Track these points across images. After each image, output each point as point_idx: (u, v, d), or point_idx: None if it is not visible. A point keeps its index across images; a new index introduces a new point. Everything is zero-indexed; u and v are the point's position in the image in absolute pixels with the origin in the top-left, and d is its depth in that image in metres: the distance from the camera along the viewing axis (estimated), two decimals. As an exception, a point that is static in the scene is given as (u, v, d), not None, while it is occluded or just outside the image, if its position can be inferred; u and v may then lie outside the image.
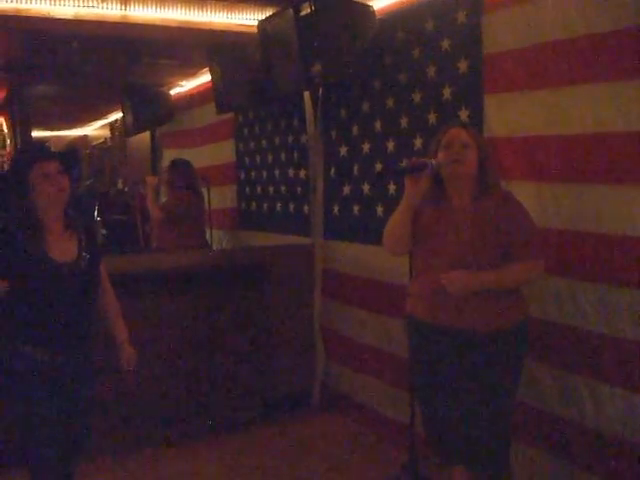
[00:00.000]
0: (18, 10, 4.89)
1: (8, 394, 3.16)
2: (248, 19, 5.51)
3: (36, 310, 3.10)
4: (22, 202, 3.10)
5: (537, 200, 3.74)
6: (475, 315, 3.21)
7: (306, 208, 6.12)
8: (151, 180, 6.59)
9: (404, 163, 3.47)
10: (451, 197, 3.36)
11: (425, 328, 3.38)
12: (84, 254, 3.22)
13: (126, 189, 10.90)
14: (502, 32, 3.96)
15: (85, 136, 14.41)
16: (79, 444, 3.35)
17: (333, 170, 5.63)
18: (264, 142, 6.89)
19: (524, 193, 3.72)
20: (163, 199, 7.11)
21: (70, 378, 3.21)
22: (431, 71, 4.53)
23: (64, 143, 13.95)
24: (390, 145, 4.94)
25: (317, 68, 4.79)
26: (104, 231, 9.21)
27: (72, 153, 4.11)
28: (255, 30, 5.18)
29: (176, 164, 6.68)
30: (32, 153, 3.28)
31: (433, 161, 3.28)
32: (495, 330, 3.21)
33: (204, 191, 6.65)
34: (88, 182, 12.20)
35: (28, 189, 3.09)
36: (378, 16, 4.83)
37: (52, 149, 3.47)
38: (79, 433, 3.32)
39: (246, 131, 7.27)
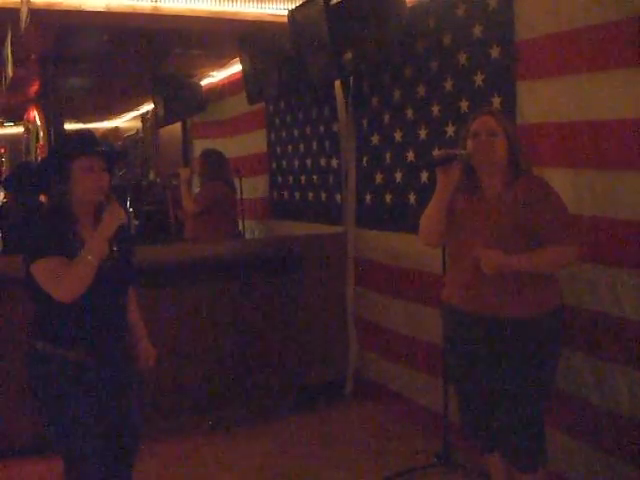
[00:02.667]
0: (50, 3, 4.93)
1: (43, 397, 3.01)
2: (278, 8, 5.50)
3: (71, 309, 2.92)
4: (60, 189, 2.98)
5: (572, 187, 3.71)
6: (507, 302, 3.20)
7: (338, 197, 6.11)
8: (184, 173, 6.54)
9: (436, 153, 3.47)
10: (484, 186, 3.35)
11: (459, 316, 3.39)
12: (115, 249, 3.04)
13: (158, 180, 10.96)
14: (534, 17, 3.93)
15: (117, 128, 14.53)
16: (131, 445, 3.24)
17: (365, 159, 5.62)
18: (295, 131, 6.89)
19: (558, 180, 3.69)
20: (195, 189, 7.13)
21: (111, 380, 3.09)
22: (463, 58, 4.50)
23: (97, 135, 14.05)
24: (422, 133, 4.92)
25: (348, 56, 4.79)
26: (136, 222, 9.28)
27: (120, 153, 3.80)
28: (285, 19, 5.18)
29: (208, 155, 6.66)
30: (80, 143, 3.06)
31: (462, 151, 3.28)
32: (526, 317, 3.20)
33: (236, 181, 6.66)
34: (120, 173, 12.29)
35: (68, 178, 2.96)
36: (408, 3, 4.80)
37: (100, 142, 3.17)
38: (130, 434, 3.21)
39: (277, 121, 7.27)
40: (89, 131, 3.38)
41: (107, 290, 3.02)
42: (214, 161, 6.53)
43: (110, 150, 3.20)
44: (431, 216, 3.41)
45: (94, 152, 3.01)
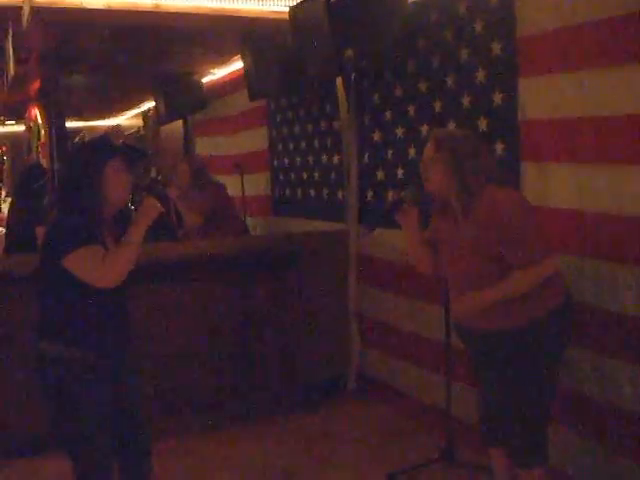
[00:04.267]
0: (51, 1, 4.93)
1: (60, 400, 2.98)
2: (279, 6, 5.49)
3: (96, 302, 2.95)
4: (94, 195, 2.95)
5: (574, 183, 3.71)
6: (493, 316, 3.22)
7: (340, 194, 6.11)
8: (173, 192, 6.29)
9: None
10: (456, 211, 3.34)
11: (459, 329, 3.53)
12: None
13: (159, 178, 10.95)
14: (536, 13, 3.92)
15: (118, 126, 14.52)
16: (143, 437, 3.24)
17: (367, 155, 5.62)
18: (297, 128, 6.89)
19: (560, 176, 3.70)
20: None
21: (125, 372, 3.13)
22: (464, 54, 4.50)
23: (98, 133, 14.06)
24: (424, 129, 4.91)
25: (349, 53, 4.79)
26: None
27: (140, 151, 3.68)
28: (286, 16, 5.18)
29: (191, 162, 6.48)
30: (109, 146, 3.10)
31: (405, 191, 3.47)
32: (515, 328, 3.20)
33: (238, 178, 6.63)
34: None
35: (102, 182, 2.95)
36: (410, -1, 4.80)
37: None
38: (140, 426, 3.23)
39: (279, 118, 7.27)
40: (107, 135, 3.41)
41: (122, 290, 3.03)
42: (198, 166, 6.39)
43: (138, 149, 3.23)
44: (413, 255, 3.63)
45: (139, 153, 3.15)
